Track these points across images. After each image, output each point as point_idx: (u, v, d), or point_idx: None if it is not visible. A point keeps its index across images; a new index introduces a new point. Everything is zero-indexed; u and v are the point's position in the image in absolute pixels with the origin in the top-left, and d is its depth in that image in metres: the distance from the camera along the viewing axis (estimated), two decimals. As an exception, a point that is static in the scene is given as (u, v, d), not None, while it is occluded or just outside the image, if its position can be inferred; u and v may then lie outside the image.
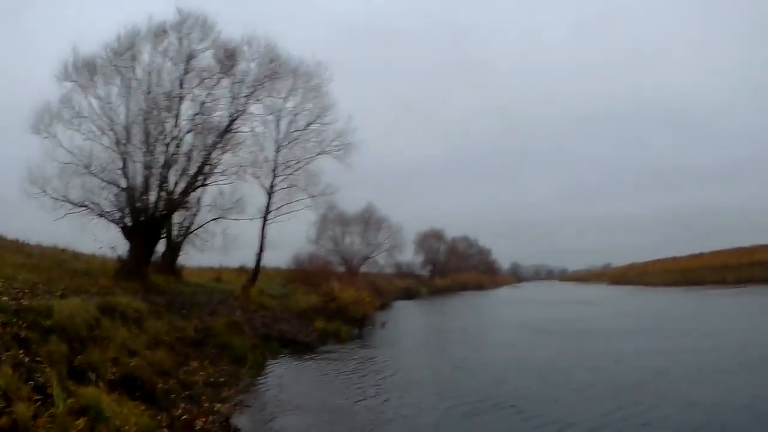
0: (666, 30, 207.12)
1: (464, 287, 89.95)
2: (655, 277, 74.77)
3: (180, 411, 10.63)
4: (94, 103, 22.79)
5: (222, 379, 14.16)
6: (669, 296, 50.04)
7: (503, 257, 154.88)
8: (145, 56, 23.83)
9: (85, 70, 22.77)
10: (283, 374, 17.20)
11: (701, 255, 69.75)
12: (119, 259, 22.17)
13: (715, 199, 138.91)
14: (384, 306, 44.02)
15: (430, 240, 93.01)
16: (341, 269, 55.56)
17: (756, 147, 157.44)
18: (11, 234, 22.95)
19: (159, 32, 23.99)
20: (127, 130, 22.79)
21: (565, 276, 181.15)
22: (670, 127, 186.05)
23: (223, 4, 26.48)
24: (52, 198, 21.62)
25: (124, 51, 23.37)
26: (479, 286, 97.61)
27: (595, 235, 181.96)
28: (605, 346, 20.73)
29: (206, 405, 11.57)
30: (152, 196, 22.92)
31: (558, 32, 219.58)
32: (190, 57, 24.62)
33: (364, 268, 61.93)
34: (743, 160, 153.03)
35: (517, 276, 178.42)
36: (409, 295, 65.61)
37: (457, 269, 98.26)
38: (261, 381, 15.96)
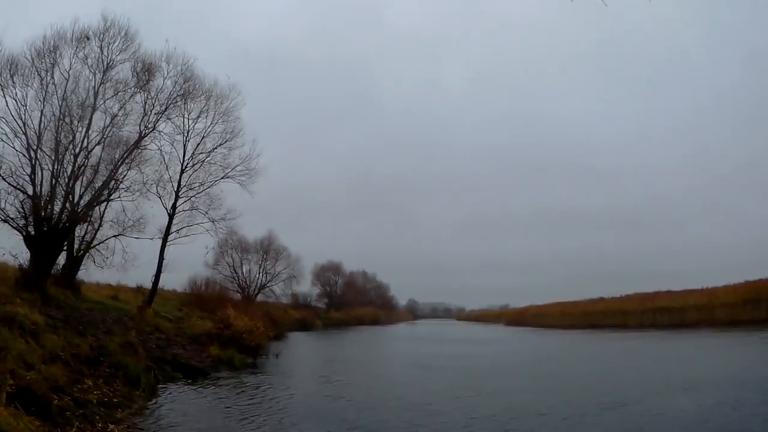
0: (564, 79, 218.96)
1: (361, 321, 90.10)
2: (553, 320, 75.48)
3: (74, 430, 10.50)
4: (11, 103, 22.12)
5: (116, 400, 13.88)
6: (561, 338, 51.89)
7: (401, 293, 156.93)
8: (66, 61, 23.41)
9: (6, 68, 22.08)
10: (176, 399, 17.02)
11: (602, 299, 70.69)
12: (20, 268, 21.32)
13: (614, 246, 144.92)
14: (279, 336, 43.71)
15: (328, 272, 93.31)
16: (237, 296, 55.03)
17: (653, 195, 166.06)
18: None
19: (82, 37, 23.63)
20: (39, 135, 22.18)
21: (462, 315, 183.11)
22: (572, 173, 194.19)
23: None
24: None
25: (47, 53, 22.89)
26: (375, 322, 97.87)
27: (492, 275, 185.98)
28: (478, 382, 21.65)
29: (100, 425, 11.44)
30: (57, 207, 22.34)
31: (455, 77, 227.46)
32: (109, 67, 24.38)
33: (260, 297, 61.49)
34: (642, 207, 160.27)
35: (414, 313, 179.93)
36: (305, 326, 65.16)
37: (354, 303, 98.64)
38: (154, 404, 15.74)
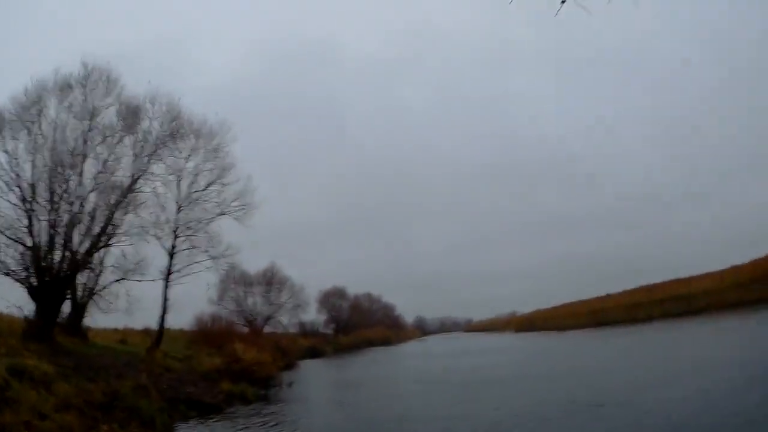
0: (539, 84, 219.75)
1: (370, 343, 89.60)
2: (563, 322, 74.07)
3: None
4: (2, 157, 22.38)
5: (132, 443, 13.96)
6: (555, 341, 51.63)
7: (408, 311, 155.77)
8: (51, 111, 23.60)
9: None
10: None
11: (609, 296, 69.98)
12: (26, 319, 21.32)
13: (604, 245, 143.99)
14: (289, 366, 43.74)
15: (332, 298, 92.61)
16: (244, 330, 54.88)
17: (636, 192, 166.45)
18: None
19: (64, 86, 23.76)
20: (33, 187, 22.32)
21: (470, 326, 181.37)
22: (553, 178, 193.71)
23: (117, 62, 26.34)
24: None
25: (31, 104, 23.06)
26: (385, 342, 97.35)
27: (495, 285, 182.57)
28: (475, 394, 21.82)
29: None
30: (57, 256, 22.42)
31: (424, 100, 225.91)
32: (94, 113, 24.46)
33: (267, 328, 61.27)
34: (625, 206, 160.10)
35: (422, 329, 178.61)
36: (314, 353, 64.94)
37: (362, 326, 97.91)
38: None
